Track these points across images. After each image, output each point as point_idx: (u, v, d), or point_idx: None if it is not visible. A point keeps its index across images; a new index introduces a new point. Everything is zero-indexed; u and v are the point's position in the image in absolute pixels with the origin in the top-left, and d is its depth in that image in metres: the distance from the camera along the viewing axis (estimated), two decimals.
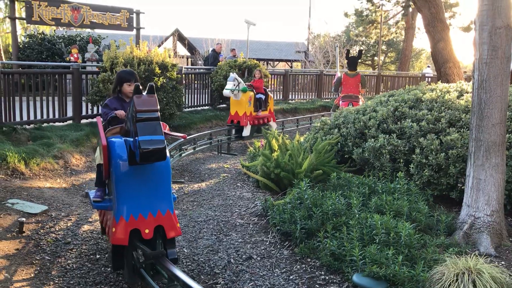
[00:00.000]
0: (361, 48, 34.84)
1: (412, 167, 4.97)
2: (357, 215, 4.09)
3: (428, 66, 24.63)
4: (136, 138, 3.08)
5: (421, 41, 76.38)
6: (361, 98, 10.28)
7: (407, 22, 28.37)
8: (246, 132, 10.43)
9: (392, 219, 3.87)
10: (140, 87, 3.29)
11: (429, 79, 19.23)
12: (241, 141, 10.94)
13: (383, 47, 36.18)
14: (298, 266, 3.94)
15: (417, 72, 30.26)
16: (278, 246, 4.37)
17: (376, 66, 30.94)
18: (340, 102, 10.12)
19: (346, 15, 32.08)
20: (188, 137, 9.00)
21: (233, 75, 10.07)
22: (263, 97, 10.92)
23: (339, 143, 6.07)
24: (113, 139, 3.55)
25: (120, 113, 3.91)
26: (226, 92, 10.01)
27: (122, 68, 9.34)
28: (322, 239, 3.95)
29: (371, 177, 5.13)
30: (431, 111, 5.46)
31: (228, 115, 10.85)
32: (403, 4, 27.76)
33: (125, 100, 4.11)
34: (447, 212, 4.65)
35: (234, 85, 9.99)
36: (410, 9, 27.04)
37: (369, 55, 37.27)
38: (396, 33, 33.26)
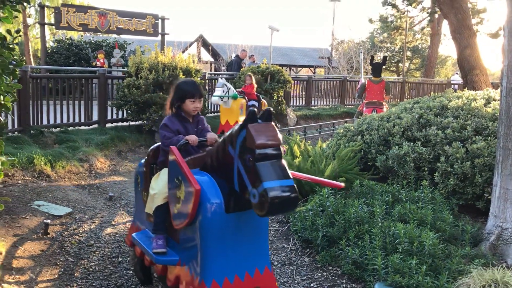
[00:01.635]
0: (386, 54, 34.52)
1: (437, 176, 4.88)
2: (380, 224, 4.04)
3: (456, 73, 24.26)
4: (261, 184, 2.36)
5: (447, 48, 75.34)
6: (385, 104, 10.17)
7: (433, 29, 28.01)
8: None
9: (415, 228, 3.81)
10: (256, 110, 2.59)
11: (456, 86, 18.92)
12: None
13: (408, 53, 35.78)
14: (319, 274, 3.91)
15: (443, 79, 29.80)
16: (299, 253, 4.34)
17: (401, 73, 30.60)
18: (364, 108, 10.03)
19: (370, 21, 31.84)
20: None
21: (221, 80, 9.42)
22: (256, 104, 10.19)
23: (362, 150, 6.01)
24: (199, 178, 2.79)
25: (193, 138, 3.14)
26: (214, 99, 9.30)
27: (147, 74, 9.47)
28: (344, 247, 3.91)
29: (394, 185, 5.06)
30: (457, 119, 5.36)
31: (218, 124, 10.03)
32: (429, 10, 27.40)
33: (187, 119, 3.30)
34: (473, 222, 4.55)
35: (224, 91, 9.28)
36: (436, 15, 26.68)
37: (393, 61, 36.92)
38: (422, 40, 32.84)
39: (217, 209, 2.72)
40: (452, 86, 18.61)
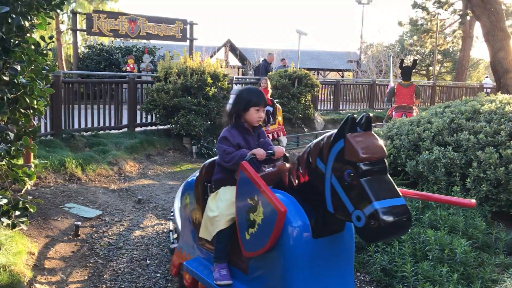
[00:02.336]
0: (416, 57, 34.01)
1: (469, 182, 4.76)
2: (409, 230, 3.96)
3: (487, 77, 23.69)
4: (370, 204, 2.02)
5: (480, 51, 73.81)
6: (415, 109, 10.01)
7: (465, 31, 27.45)
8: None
9: (446, 235, 3.72)
10: (355, 116, 2.22)
11: (488, 90, 18.47)
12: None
13: (439, 56, 35.15)
14: None
15: (475, 82, 29.15)
16: None
17: (431, 76, 30.08)
18: (393, 112, 9.89)
19: (400, 24, 31.44)
20: None
21: (236, 87, 8.77)
22: (270, 109, 9.70)
23: (391, 155, 5.92)
24: (280, 198, 2.41)
25: (260, 152, 2.80)
26: (230, 107, 9.26)
27: (175, 78, 9.58)
28: (373, 253, 3.85)
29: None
30: (489, 123, 5.23)
31: None
32: (461, 12, 26.89)
33: (249, 131, 2.98)
34: (507, 229, 4.41)
35: None
36: (468, 18, 26.14)
37: (423, 65, 36.32)
38: (453, 42, 32.22)
39: (303, 233, 2.34)
40: (485, 89, 18.17)
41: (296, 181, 2.52)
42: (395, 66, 19.94)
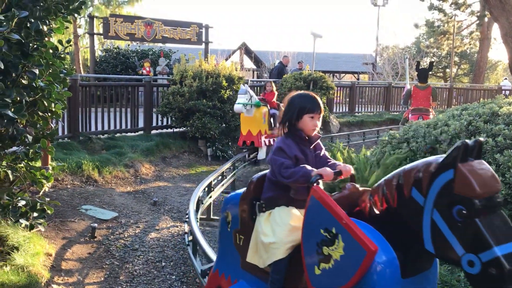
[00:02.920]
0: (432, 59, 33.69)
1: None
2: None
3: (505, 78, 23.35)
4: (490, 249, 1.70)
5: (498, 52, 72.80)
6: (431, 111, 9.90)
7: (482, 33, 27.10)
8: (262, 154, 8.85)
9: None
10: (468, 143, 1.89)
11: (507, 92, 18.20)
12: (256, 166, 8.90)
13: (456, 58, 34.77)
14: None
15: (493, 84, 28.76)
16: None
17: (448, 79, 29.76)
18: (410, 115, 9.80)
19: (416, 26, 31.17)
20: (250, 147, 9.08)
21: (244, 87, 8.56)
22: (277, 112, 9.32)
23: (408, 158, 5.86)
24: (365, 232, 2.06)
25: (327, 172, 2.43)
26: (238, 107, 8.33)
27: (191, 81, 9.63)
28: None
29: None
30: (508, 126, 5.14)
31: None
32: (478, 14, 26.56)
33: (305, 142, 2.62)
34: None
35: (247, 99, 8.42)
36: (486, 19, 25.81)
37: (440, 67, 35.96)
38: (470, 44, 31.82)
39: (392, 273, 2.00)
40: (503, 92, 17.91)
41: (381, 211, 2.16)
42: (411, 69, 19.77)
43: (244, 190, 2.82)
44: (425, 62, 30.97)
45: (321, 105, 2.64)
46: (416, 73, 10.60)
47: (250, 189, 2.77)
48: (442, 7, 27.43)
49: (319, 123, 2.61)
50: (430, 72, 11.47)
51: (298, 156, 2.53)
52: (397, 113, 16.73)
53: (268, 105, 9.11)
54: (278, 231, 2.45)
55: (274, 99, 9.52)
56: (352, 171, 2.59)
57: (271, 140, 8.93)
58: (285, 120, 2.65)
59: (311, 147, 2.63)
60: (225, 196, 3.19)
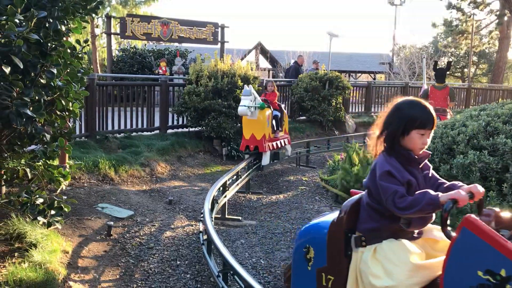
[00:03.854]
0: (450, 59, 33.28)
1: (506, 187, 4.61)
2: None
3: None
4: None
5: None
6: (449, 111, 9.79)
7: (502, 32, 26.68)
8: (266, 159, 8.21)
9: None
10: None
11: None
12: (260, 171, 8.45)
13: (474, 58, 34.29)
14: None
15: None
16: None
17: (466, 78, 29.37)
18: None
19: (434, 25, 30.83)
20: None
21: (248, 88, 7.80)
22: (279, 114, 8.84)
23: None
24: None
25: (463, 197, 2.01)
26: (242, 109, 7.57)
27: (207, 81, 9.65)
28: None
29: None
30: None
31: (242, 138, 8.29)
32: (498, 13, 26.16)
33: (414, 162, 2.19)
34: None
35: (251, 100, 7.71)
36: (506, 18, 25.41)
37: (458, 66, 35.50)
38: (489, 44, 31.37)
39: None
40: None
41: None
42: (428, 68, 19.56)
43: (335, 220, 2.32)
44: (442, 62, 30.61)
45: (435, 118, 2.19)
46: (434, 73, 10.48)
47: (343, 219, 2.28)
48: (460, 6, 27.10)
49: (429, 141, 2.18)
50: (448, 72, 11.34)
51: (412, 182, 2.10)
52: None
53: (271, 107, 8.47)
54: (396, 271, 1.98)
55: (276, 100, 8.95)
56: (482, 191, 2.14)
57: (275, 144, 8.40)
58: (388, 134, 2.17)
59: (419, 167, 2.21)
60: (300, 228, 2.77)
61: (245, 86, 7.87)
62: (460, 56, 34.47)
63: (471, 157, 4.98)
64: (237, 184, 6.69)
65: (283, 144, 8.77)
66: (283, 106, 9.22)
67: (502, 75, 28.15)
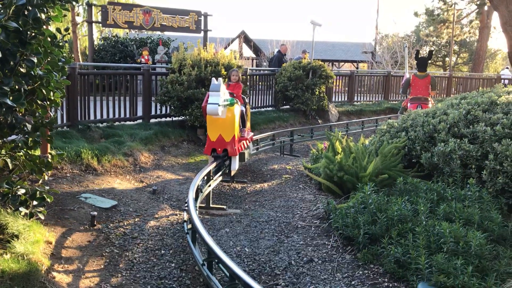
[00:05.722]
0: (432, 48, 33.58)
1: (485, 174, 4.71)
2: (424, 222, 3.94)
3: (507, 68, 23.30)
4: None
5: (497, 41, 72.50)
6: (430, 100, 9.91)
7: (482, 21, 27.01)
8: (236, 164, 7.05)
9: (461, 227, 3.69)
10: None
11: (506, 81, 18.18)
12: (228, 183, 7.40)
13: (455, 47, 34.67)
14: (360, 272, 3.86)
15: (492, 73, 28.71)
16: (340, 251, 4.30)
17: (447, 67, 29.69)
18: (409, 104, 9.82)
19: (416, 14, 31.04)
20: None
21: (217, 82, 6.34)
22: (243, 109, 7.68)
23: (406, 147, 5.88)
24: None
25: None
26: (213, 108, 6.12)
27: (190, 70, 9.58)
28: (386, 245, 3.84)
29: (440, 183, 4.92)
30: (507, 115, 5.15)
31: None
32: (478, 2, 26.44)
33: None
34: None
35: (222, 97, 6.31)
36: (486, 7, 25.71)
37: (440, 55, 35.88)
38: (470, 33, 31.74)
39: None
40: (502, 81, 17.91)
41: None
42: (410, 57, 19.71)
43: None
44: (424, 51, 30.91)
45: None
46: (416, 62, 10.59)
47: None
48: None
49: None
50: (430, 61, 11.46)
51: None
52: (396, 102, 16.73)
53: (238, 101, 7.23)
54: None
55: (241, 93, 7.74)
56: None
57: (242, 144, 7.35)
58: None
59: None
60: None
61: (213, 79, 6.42)
62: (441, 45, 34.84)
63: (452, 145, 5.06)
64: (221, 174, 6.68)
65: (248, 144, 7.84)
66: (246, 99, 8.17)
67: (482, 64, 28.54)
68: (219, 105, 6.14)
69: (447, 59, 33.80)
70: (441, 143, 5.24)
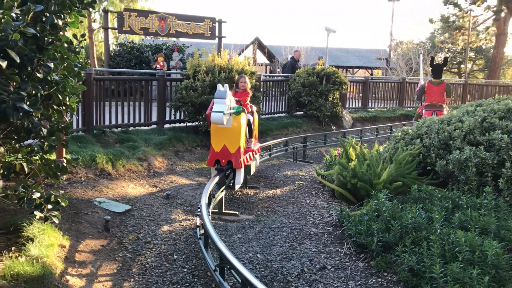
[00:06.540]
0: (447, 55, 33.32)
1: (501, 182, 4.64)
2: (438, 230, 3.89)
3: None
4: None
5: None
6: (445, 107, 9.81)
7: (499, 28, 26.72)
8: (241, 177, 6.54)
9: (477, 236, 3.64)
10: None
11: None
12: (232, 191, 7.06)
13: (471, 54, 34.34)
14: (373, 280, 3.82)
15: (509, 80, 28.34)
16: (353, 258, 4.26)
17: (463, 74, 29.41)
18: (423, 111, 9.73)
19: (431, 21, 30.88)
20: (264, 144, 9.05)
21: (223, 88, 5.98)
22: (251, 118, 7.23)
23: (421, 154, 5.82)
24: None
25: None
26: (218, 117, 5.79)
27: (204, 76, 9.63)
28: (400, 253, 3.79)
29: (455, 191, 4.86)
30: None
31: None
32: (495, 8, 26.17)
33: None
34: None
35: (227, 104, 5.93)
36: (503, 14, 25.43)
37: (455, 62, 35.56)
38: (486, 40, 31.43)
39: None
40: None
41: None
42: (425, 64, 19.57)
43: None
44: (439, 58, 30.65)
45: None
46: (430, 68, 10.50)
47: None
48: (457, 1, 27.15)
49: None
50: (445, 68, 11.35)
51: None
52: (411, 108, 16.60)
53: (245, 110, 6.80)
54: None
55: (248, 101, 7.26)
56: None
57: (248, 156, 6.87)
58: None
59: None
60: None
61: (219, 85, 6.03)
62: (457, 52, 34.54)
63: (467, 152, 5.00)
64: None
65: (254, 156, 7.37)
66: (254, 108, 7.61)
67: (499, 71, 28.22)
68: (224, 114, 5.78)
69: (462, 66, 33.49)
70: (456, 151, 5.18)
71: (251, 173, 7.37)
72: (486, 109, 5.70)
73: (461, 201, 4.52)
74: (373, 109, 16.12)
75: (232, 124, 6.22)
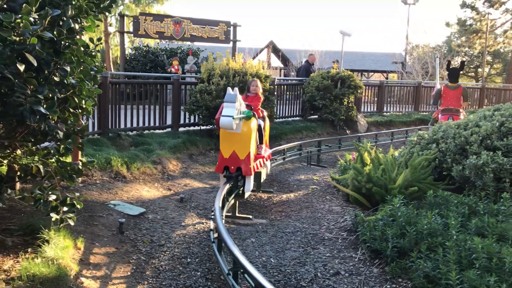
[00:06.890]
0: (464, 59, 32.97)
1: None
2: (454, 237, 3.83)
3: None
4: None
5: None
6: (462, 112, 9.70)
7: None
8: (250, 184, 6.31)
9: (495, 243, 3.58)
10: None
11: None
12: (254, 193, 7.04)
13: (488, 58, 33.92)
14: (388, 286, 3.78)
15: None
16: (368, 264, 4.22)
17: (480, 78, 29.05)
18: (439, 115, 9.62)
19: (447, 24, 30.63)
20: (277, 148, 9.04)
21: (233, 92, 5.77)
22: (262, 123, 6.95)
23: (437, 159, 5.75)
24: None
25: None
26: (227, 122, 5.52)
27: (218, 80, 9.66)
28: (415, 259, 3.75)
29: (471, 196, 4.79)
30: None
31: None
32: None
33: None
34: None
35: (237, 108, 5.67)
36: None
37: (472, 66, 35.17)
38: (504, 43, 31.03)
39: None
40: None
41: None
42: (441, 68, 19.39)
43: None
44: (456, 62, 30.34)
45: None
46: (447, 72, 10.39)
47: None
48: (474, 5, 26.89)
49: None
50: (461, 72, 11.22)
51: None
52: (427, 113, 16.45)
53: (256, 115, 6.50)
54: None
55: (260, 106, 7.04)
56: None
57: (258, 162, 6.65)
58: None
59: None
60: None
61: (229, 89, 5.82)
62: (474, 55, 34.16)
63: (484, 157, 4.93)
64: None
65: (265, 162, 7.10)
66: (265, 113, 7.34)
67: None
68: (233, 118, 5.52)
69: (479, 70, 33.11)
70: (473, 156, 5.11)
71: (262, 180, 7.17)
72: (504, 114, 5.62)
73: (477, 207, 4.45)
74: (388, 113, 16.01)
75: (242, 129, 5.97)
